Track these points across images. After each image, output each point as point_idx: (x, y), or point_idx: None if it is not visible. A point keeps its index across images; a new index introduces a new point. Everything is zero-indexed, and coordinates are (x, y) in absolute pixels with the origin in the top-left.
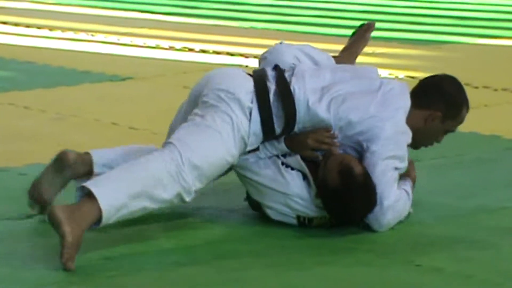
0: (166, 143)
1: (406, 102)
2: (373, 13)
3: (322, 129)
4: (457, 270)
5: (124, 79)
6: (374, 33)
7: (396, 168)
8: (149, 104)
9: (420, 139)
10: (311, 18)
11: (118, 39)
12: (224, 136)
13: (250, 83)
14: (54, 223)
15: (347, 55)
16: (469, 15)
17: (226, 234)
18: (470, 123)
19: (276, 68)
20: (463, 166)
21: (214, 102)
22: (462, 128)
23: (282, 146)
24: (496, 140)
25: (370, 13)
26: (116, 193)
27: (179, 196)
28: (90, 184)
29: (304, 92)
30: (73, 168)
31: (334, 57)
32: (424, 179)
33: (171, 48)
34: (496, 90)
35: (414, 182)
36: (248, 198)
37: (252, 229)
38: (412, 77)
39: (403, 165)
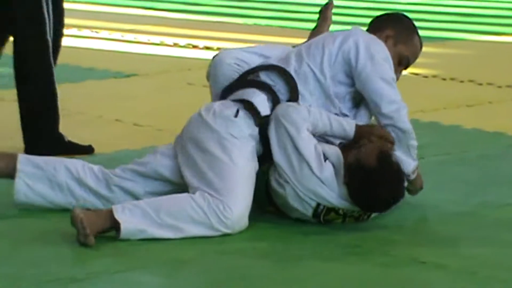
0: (195, 191)
1: (360, 28)
2: (376, 10)
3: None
4: (461, 267)
5: (128, 76)
6: None
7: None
8: (153, 101)
9: None
10: (315, 15)
11: (122, 36)
12: (233, 152)
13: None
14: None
15: (313, 38)
16: (473, 12)
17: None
18: (474, 120)
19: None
20: (467, 163)
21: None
22: (466, 124)
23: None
24: (500, 137)
25: (373, 10)
26: (139, 227)
27: (216, 231)
28: (117, 210)
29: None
30: None
31: (301, 44)
32: (428, 176)
33: (175, 45)
34: (500, 87)
35: (420, 188)
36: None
37: (256, 226)
38: (416, 74)
39: (390, 63)
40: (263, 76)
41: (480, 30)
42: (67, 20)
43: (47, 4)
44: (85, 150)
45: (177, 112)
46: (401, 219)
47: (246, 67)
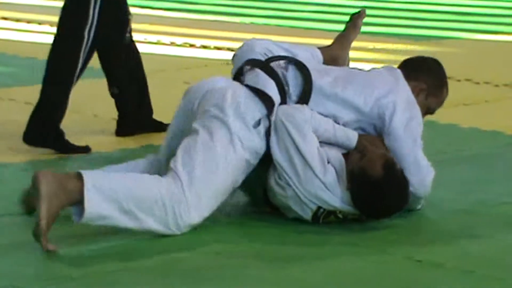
0: (171, 171)
1: (401, 73)
2: (373, 9)
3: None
4: (457, 265)
5: None
6: (374, 29)
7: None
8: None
9: None
10: (312, 14)
11: None
12: (229, 165)
13: (244, 90)
14: (34, 193)
15: (339, 44)
16: (470, 11)
17: (225, 230)
18: (471, 119)
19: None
20: (464, 162)
21: (216, 115)
22: (462, 123)
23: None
24: (497, 136)
25: (370, 9)
26: (105, 202)
27: (167, 228)
28: (86, 179)
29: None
30: None
31: (326, 46)
32: None
33: (172, 43)
34: (497, 85)
35: None
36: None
37: (251, 225)
38: None
39: (422, 128)
40: (285, 70)
41: (476, 29)
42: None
43: (95, 4)
44: (82, 150)
45: (174, 111)
46: (397, 218)
47: None
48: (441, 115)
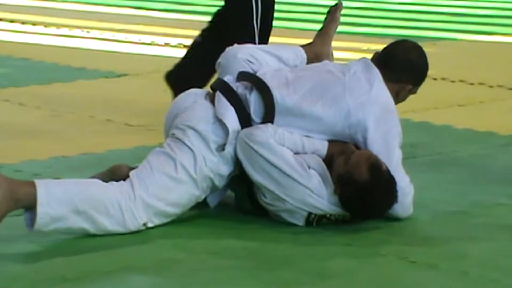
0: (128, 178)
1: (377, 75)
2: (368, 10)
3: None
4: (452, 267)
5: (119, 76)
6: (369, 30)
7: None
8: (144, 101)
9: None
10: (306, 15)
11: (113, 36)
12: (184, 178)
13: (210, 113)
14: None
15: (320, 40)
16: (464, 12)
17: (220, 230)
18: (466, 120)
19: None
20: (458, 163)
21: (179, 136)
22: (457, 124)
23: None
24: (492, 137)
25: (365, 10)
26: (58, 204)
27: (125, 228)
28: (39, 184)
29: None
30: None
31: (308, 44)
32: (419, 176)
33: (166, 44)
34: (491, 86)
35: None
36: (245, 197)
37: (246, 226)
38: None
39: (400, 140)
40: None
41: (471, 30)
42: (58, 20)
43: None
44: None
45: (166, 112)
46: (392, 219)
47: (257, 65)
48: (435, 116)
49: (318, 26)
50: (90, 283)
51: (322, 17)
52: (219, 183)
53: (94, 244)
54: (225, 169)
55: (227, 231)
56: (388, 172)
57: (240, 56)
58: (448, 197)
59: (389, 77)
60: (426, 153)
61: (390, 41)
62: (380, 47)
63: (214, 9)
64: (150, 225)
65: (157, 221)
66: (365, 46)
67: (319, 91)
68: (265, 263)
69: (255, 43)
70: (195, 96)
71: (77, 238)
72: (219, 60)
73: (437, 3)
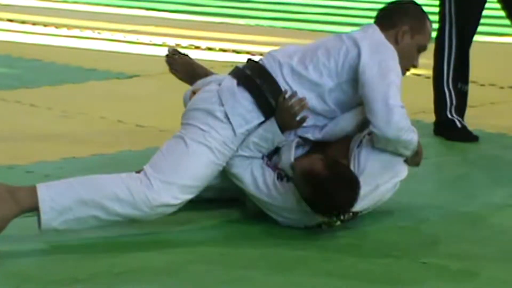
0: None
1: (374, 27)
2: (374, 10)
3: (282, 103)
4: (462, 268)
5: (130, 77)
6: None
7: (396, 76)
8: (156, 102)
9: (399, 62)
10: (317, 16)
11: (124, 37)
12: (197, 149)
13: (211, 92)
14: None
15: None
16: None
17: (232, 232)
18: (476, 121)
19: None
20: (468, 164)
21: (187, 121)
22: (468, 125)
23: (275, 129)
24: (502, 138)
25: (375, 11)
26: (60, 197)
27: (137, 209)
28: (39, 184)
29: (275, 60)
30: None
31: None
32: (429, 177)
33: (177, 45)
34: (502, 87)
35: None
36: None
37: (257, 228)
38: (418, 75)
39: (400, 79)
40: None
41: (482, 31)
42: (69, 21)
43: None
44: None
45: (179, 112)
46: (402, 220)
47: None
48: None
49: (329, 28)
50: (100, 284)
51: (333, 18)
52: (236, 145)
53: (105, 245)
54: (240, 130)
55: (238, 233)
56: (327, 169)
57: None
58: (459, 198)
59: (384, 28)
60: (436, 154)
61: None
62: None
63: (224, 10)
64: (174, 201)
65: (182, 196)
66: None
67: (317, 45)
68: (277, 264)
69: None
70: (203, 85)
71: (88, 239)
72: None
73: None
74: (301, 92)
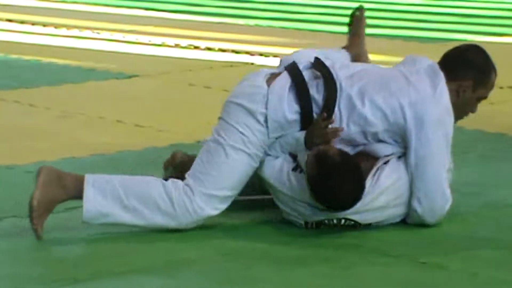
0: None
1: (442, 78)
2: (378, 11)
3: (319, 123)
4: (462, 268)
5: (129, 77)
6: (379, 31)
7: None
8: (155, 102)
9: (456, 112)
10: (316, 16)
11: (124, 37)
12: (238, 158)
13: (260, 88)
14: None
15: (355, 42)
16: (475, 13)
17: (232, 232)
18: (476, 121)
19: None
20: (469, 164)
21: (226, 118)
22: (467, 125)
23: (302, 142)
24: (502, 138)
25: (375, 11)
26: (103, 199)
27: (176, 221)
28: (88, 177)
29: (337, 76)
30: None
31: (344, 47)
32: None
33: (176, 45)
34: (501, 87)
35: None
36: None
37: (257, 228)
38: None
39: (450, 148)
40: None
41: (481, 31)
42: (69, 21)
43: None
44: None
45: (178, 113)
46: (402, 220)
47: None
48: None
49: (328, 27)
50: (101, 284)
51: (332, 18)
52: (267, 146)
53: (106, 245)
54: (273, 135)
55: (238, 233)
56: (339, 155)
57: (304, 59)
58: (458, 198)
59: (447, 77)
60: None
61: (400, 42)
62: (390, 48)
63: (224, 10)
64: (214, 212)
65: (222, 206)
66: (376, 47)
67: (383, 82)
68: (276, 264)
69: None
70: (254, 75)
71: (89, 239)
72: (284, 57)
73: (448, 4)
74: (348, 123)
